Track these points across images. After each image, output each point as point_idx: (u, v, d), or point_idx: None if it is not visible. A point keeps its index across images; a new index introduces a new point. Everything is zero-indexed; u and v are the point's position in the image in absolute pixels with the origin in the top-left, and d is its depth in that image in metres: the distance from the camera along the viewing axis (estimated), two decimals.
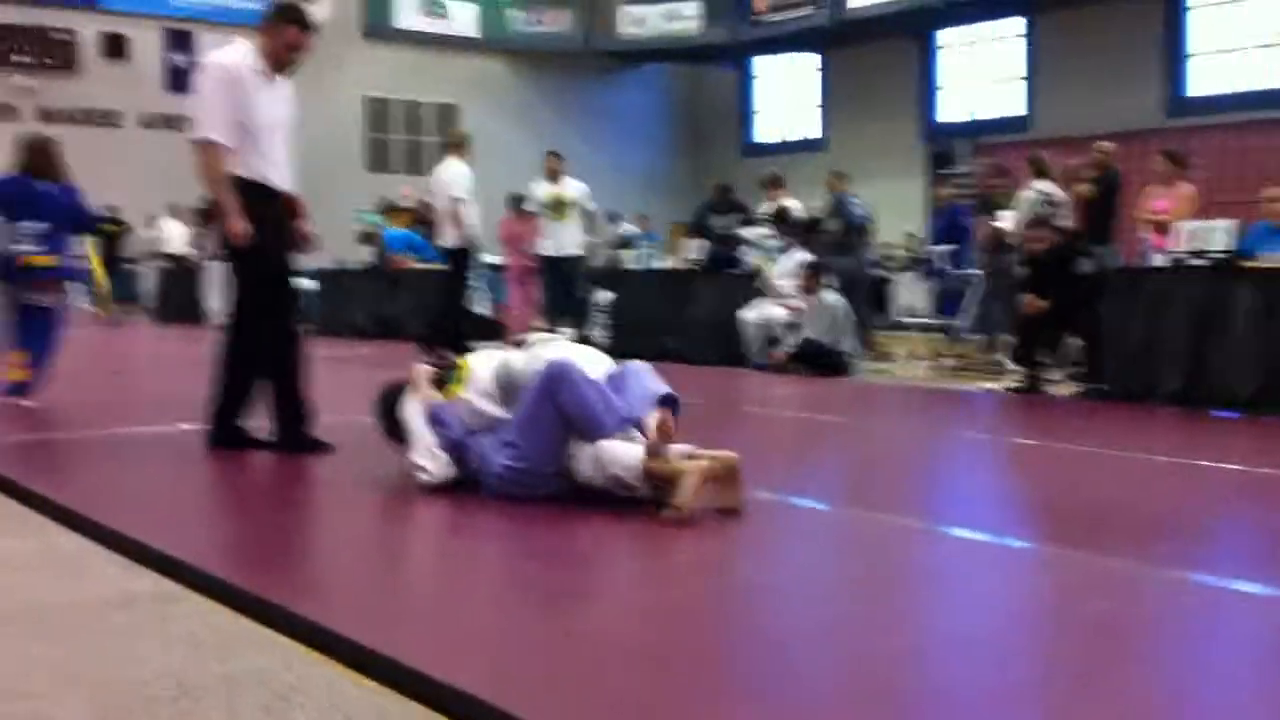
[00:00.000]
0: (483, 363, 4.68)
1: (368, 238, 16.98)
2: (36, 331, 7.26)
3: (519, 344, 4.71)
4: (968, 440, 7.01)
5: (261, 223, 5.45)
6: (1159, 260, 8.32)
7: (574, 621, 3.07)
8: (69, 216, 7.37)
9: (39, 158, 7.36)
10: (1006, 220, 11.49)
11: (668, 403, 4.37)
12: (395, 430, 4.76)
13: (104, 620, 3.02)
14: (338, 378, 10.40)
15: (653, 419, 4.24)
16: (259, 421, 5.65)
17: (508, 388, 4.55)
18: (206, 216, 5.35)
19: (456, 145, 11.94)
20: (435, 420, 4.58)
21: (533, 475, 4.32)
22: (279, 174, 5.58)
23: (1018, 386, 8.83)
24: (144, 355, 13.42)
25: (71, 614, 3.08)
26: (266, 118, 5.48)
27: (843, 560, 3.78)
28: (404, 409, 4.69)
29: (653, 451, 4.17)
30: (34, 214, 7.17)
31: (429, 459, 4.54)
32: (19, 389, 7.14)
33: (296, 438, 5.56)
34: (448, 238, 11.72)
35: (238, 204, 5.36)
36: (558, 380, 4.27)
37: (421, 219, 19.50)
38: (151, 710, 2.41)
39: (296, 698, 2.49)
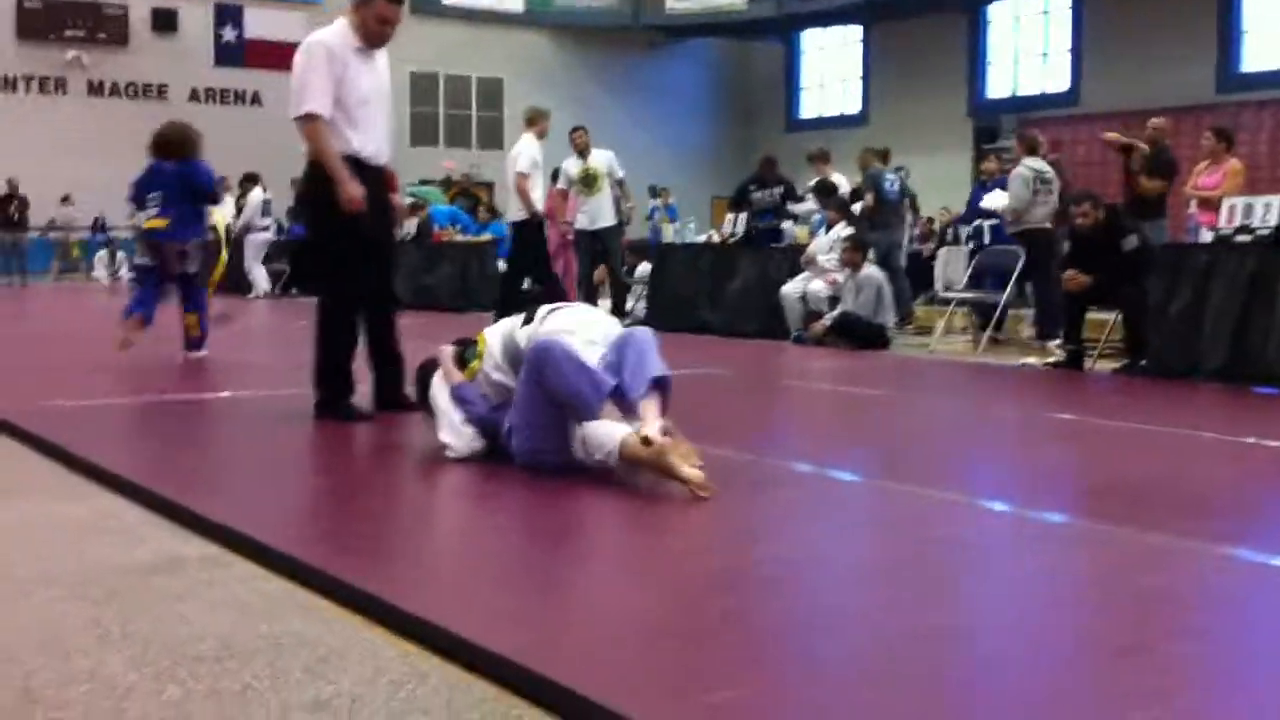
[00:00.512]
0: (495, 335, 4.71)
1: (413, 209, 17.09)
2: (192, 297, 8.51)
3: (530, 317, 4.69)
4: (1007, 415, 6.98)
5: None
6: (1206, 236, 8.25)
7: (606, 592, 3.10)
8: (185, 189, 8.51)
9: (163, 140, 8.76)
10: (998, 198, 11.49)
11: (660, 383, 4.31)
12: (429, 406, 4.81)
13: (151, 583, 3.08)
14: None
15: (654, 427, 4.15)
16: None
17: (515, 360, 4.57)
18: (299, 193, 5.55)
19: (530, 121, 11.96)
20: (460, 399, 4.62)
21: (544, 451, 4.35)
22: (374, 147, 5.71)
23: (1057, 362, 8.79)
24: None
25: (119, 577, 3.13)
26: (362, 92, 5.62)
27: (881, 534, 3.78)
28: (432, 387, 4.75)
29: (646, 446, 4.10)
30: (151, 189, 8.53)
31: (454, 435, 4.59)
32: (198, 344, 8.45)
33: (392, 397, 5.77)
34: (512, 211, 11.80)
35: (347, 174, 5.48)
36: (540, 364, 4.27)
37: (465, 191, 19.57)
38: (195, 670, 2.46)
39: (338, 660, 2.53)
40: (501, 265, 16.07)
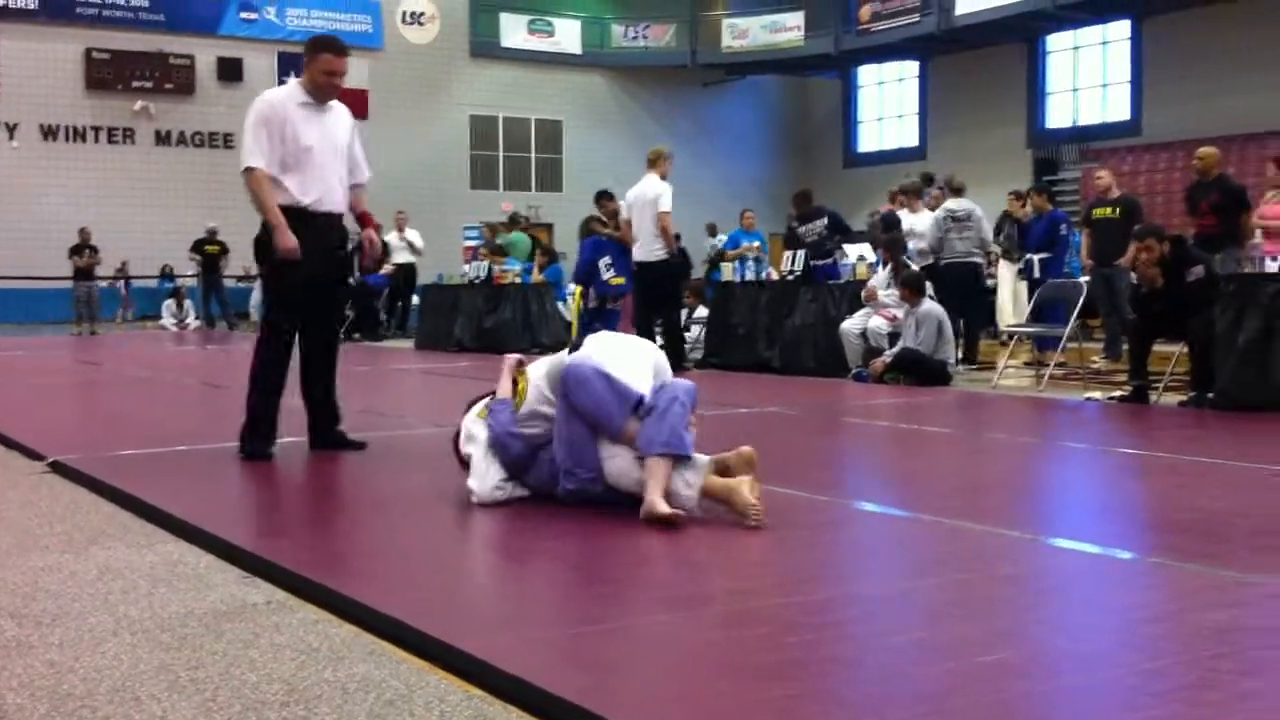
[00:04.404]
0: (541, 366, 4.72)
1: (496, 251, 17.15)
2: (608, 320, 11.78)
3: (576, 348, 4.68)
4: (1072, 451, 6.91)
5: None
6: (1272, 267, 8.14)
7: (666, 633, 3.10)
8: (617, 255, 12.38)
9: (596, 221, 12.85)
10: (920, 239, 12.46)
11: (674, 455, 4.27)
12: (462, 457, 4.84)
13: (217, 629, 3.12)
14: (428, 389, 10.57)
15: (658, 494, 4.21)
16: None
17: (557, 389, 4.56)
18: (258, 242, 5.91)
19: (657, 162, 11.82)
20: (491, 412, 4.66)
21: (581, 471, 4.41)
22: (317, 195, 5.94)
23: (1123, 396, 8.69)
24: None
25: (185, 622, 3.18)
26: (305, 144, 5.87)
27: (946, 572, 3.74)
28: (464, 428, 4.80)
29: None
30: (606, 255, 12.49)
31: (476, 479, 4.62)
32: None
33: (328, 437, 6.11)
34: (648, 250, 11.68)
35: (283, 221, 5.78)
36: (571, 380, 4.35)
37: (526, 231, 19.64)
38: (263, 715, 2.49)
39: (404, 704, 2.56)
40: (560, 307, 16.16)
